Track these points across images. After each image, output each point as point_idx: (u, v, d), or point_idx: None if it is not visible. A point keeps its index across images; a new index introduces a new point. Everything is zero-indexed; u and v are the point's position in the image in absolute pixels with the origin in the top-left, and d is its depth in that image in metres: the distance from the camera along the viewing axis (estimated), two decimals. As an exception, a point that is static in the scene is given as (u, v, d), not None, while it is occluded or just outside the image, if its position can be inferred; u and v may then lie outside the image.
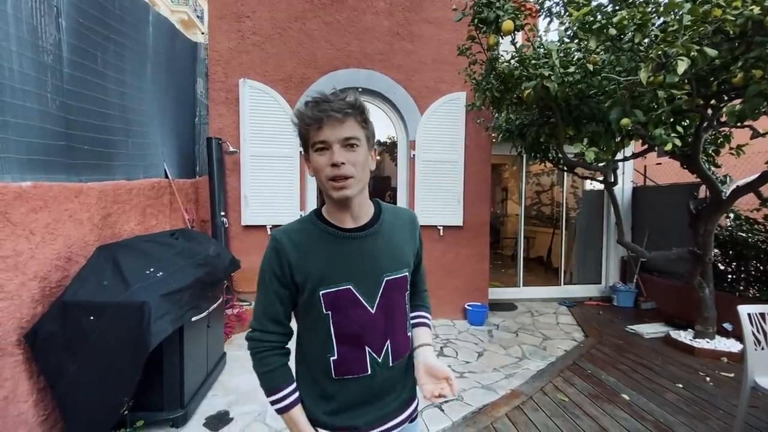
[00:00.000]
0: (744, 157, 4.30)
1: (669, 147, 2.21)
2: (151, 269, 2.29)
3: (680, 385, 3.16)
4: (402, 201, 4.88)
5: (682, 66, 1.86)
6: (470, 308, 4.65)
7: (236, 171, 4.48)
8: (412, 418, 1.08)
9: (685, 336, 4.06)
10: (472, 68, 3.62)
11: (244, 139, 4.43)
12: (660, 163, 6.02)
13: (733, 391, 3.06)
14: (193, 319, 2.49)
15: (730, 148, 4.35)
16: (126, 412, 2.19)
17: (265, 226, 4.53)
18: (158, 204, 3.59)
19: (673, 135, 2.24)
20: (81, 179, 2.59)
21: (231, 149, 4.39)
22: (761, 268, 4.48)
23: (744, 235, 4.64)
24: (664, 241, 5.21)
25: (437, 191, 4.71)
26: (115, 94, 3.11)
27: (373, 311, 0.96)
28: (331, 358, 0.96)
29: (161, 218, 3.64)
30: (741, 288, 4.67)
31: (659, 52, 1.98)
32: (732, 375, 3.36)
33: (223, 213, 4.36)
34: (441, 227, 4.75)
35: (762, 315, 2.42)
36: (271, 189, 4.51)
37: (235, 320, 4.11)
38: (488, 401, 2.90)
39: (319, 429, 0.97)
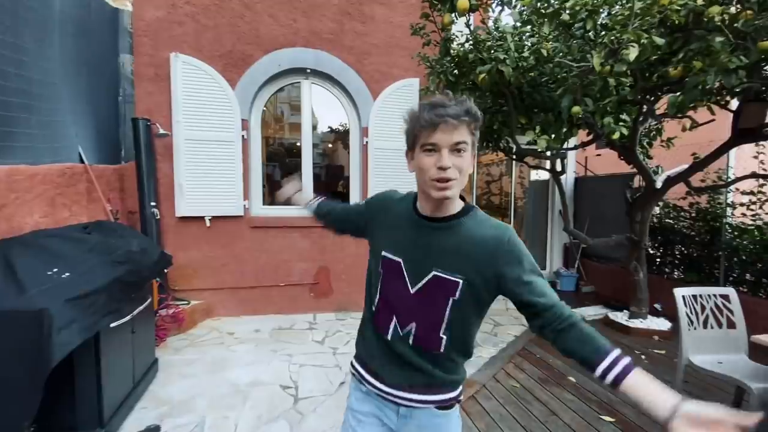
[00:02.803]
0: (672, 150, 4.63)
1: (617, 136, 2.25)
2: (55, 270, 1.92)
3: (619, 364, 3.33)
4: (355, 190, 4.70)
5: (634, 52, 1.86)
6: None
7: (169, 156, 4.03)
8: (443, 406, 1.08)
9: (621, 317, 4.32)
10: (426, 50, 3.49)
11: (177, 121, 3.99)
12: (599, 155, 6.37)
13: (665, 368, 3.28)
14: (112, 325, 2.15)
15: (661, 141, 4.66)
16: (26, 438, 1.83)
17: (204, 217, 4.14)
18: (71, 193, 3.10)
19: (621, 124, 2.27)
20: (-40, 162, 2.13)
21: (161, 132, 3.93)
22: (685, 251, 4.89)
23: (671, 221, 5.03)
24: (602, 227, 5.52)
25: (391, 180, 4.58)
26: (11, 62, 2.60)
27: (411, 291, 1.03)
28: (373, 306, 1.13)
29: (76, 209, 3.16)
30: (667, 270, 5.08)
31: (612, 38, 1.98)
32: (663, 352, 3.61)
33: (153, 203, 3.91)
34: (394, 217, 4.64)
35: (694, 297, 2.57)
36: (210, 177, 4.12)
37: (171, 321, 3.72)
38: (443, 393, 2.85)
39: (356, 364, 1.19)
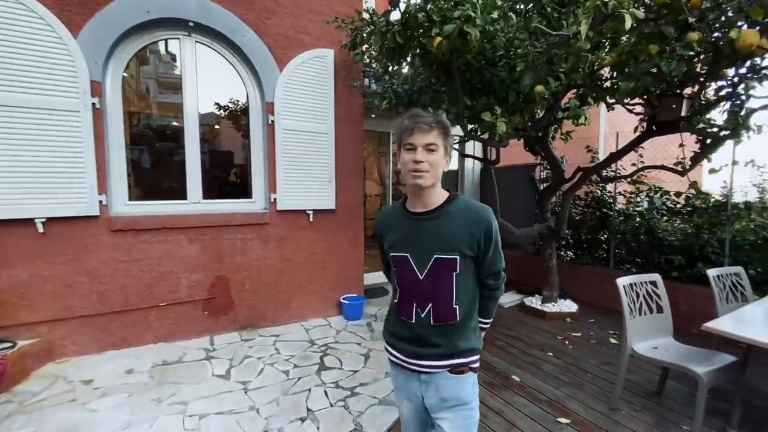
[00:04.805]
0: (568, 142, 4.96)
1: (583, 120, 2.08)
2: None
3: (550, 354, 3.36)
4: (258, 179, 3.86)
5: (629, 19, 1.65)
6: (346, 302, 4.09)
7: (-39, 129, 2.64)
8: (455, 371, 1.28)
9: (535, 302, 4.49)
10: (351, 10, 2.88)
11: (-24, 74, 2.62)
12: (506, 145, 6.62)
13: (587, 350, 3.42)
14: None
15: (561, 134, 4.93)
16: None
17: (33, 220, 2.86)
18: None
19: (584, 108, 2.10)
20: None
21: (-56, 89, 2.52)
22: (577, 236, 5.37)
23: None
24: (507, 216, 5.73)
25: (305, 168, 3.89)
26: None
27: (421, 277, 1.25)
28: (395, 300, 1.36)
29: None
30: (561, 253, 5.53)
31: (605, 1, 1.73)
32: (579, 334, 3.80)
33: (-66, 201, 2.52)
34: (310, 212, 3.96)
35: (631, 285, 2.61)
36: (40, 161, 2.84)
37: (-21, 379, 2.46)
38: (391, 421, 2.40)
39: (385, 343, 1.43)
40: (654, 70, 2.24)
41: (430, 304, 1.25)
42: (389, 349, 1.39)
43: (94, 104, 3.02)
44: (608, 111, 2.92)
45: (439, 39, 2.10)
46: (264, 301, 3.83)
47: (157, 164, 3.86)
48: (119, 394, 2.62)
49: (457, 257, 1.22)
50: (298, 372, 2.98)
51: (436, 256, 1.22)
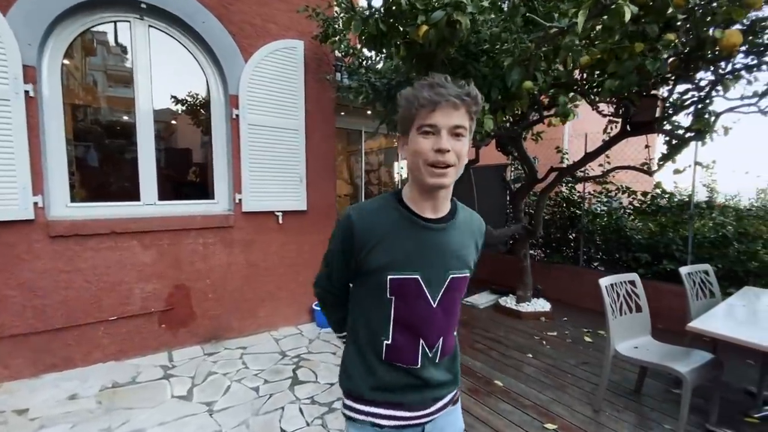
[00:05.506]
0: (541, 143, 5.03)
1: (572, 118, 2.02)
2: None
3: (530, 355, 3.32)
4: (222, 179, 3.56)
5: (628, 12, 1.59)
6: (319, 308, 3.87)
7: None
8: (454, 401, 1.09)
9: (510, 302, 4.48)
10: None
11: None
12: (488, 144, 6.65)
13: (564, 350, 3.42)
14: None
15: (532, 135, 4.97)
16: None
17: (-51, 225, 2.44)
18: None
19: (573, 106, 2.04)
20: None
21: None
22: (546, 236, 5.45)
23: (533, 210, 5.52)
24: (480, 216, 5.72)
25: (273, 166, 3.63)
26: None
27: (434, 305, 0.93)
28: (385, 342, 0.94)
29: None
30: (532, 252, 5.60)
31: None
32: (555, 333, 3.81)
33: None
34: (280, 213, 3.71)
35: (612, 285, 2.60)
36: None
37: None
38: (373, 438, 2.24)
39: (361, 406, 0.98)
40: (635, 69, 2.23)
41: (441, 339, 0.96)
42: (380, 411, 0.96)
43: (27, 92, 2.62)
44: (592, 109, 2.92)
45: (425, 28, 1.97)
46: (229, 310, 3.54)
47: (106, 162, 3.46)
48: (61, 424, 2.27)
49: (468, 274, 0.98)
50: (269, 388, 2.74)
51: (451, 275, 0.94)
